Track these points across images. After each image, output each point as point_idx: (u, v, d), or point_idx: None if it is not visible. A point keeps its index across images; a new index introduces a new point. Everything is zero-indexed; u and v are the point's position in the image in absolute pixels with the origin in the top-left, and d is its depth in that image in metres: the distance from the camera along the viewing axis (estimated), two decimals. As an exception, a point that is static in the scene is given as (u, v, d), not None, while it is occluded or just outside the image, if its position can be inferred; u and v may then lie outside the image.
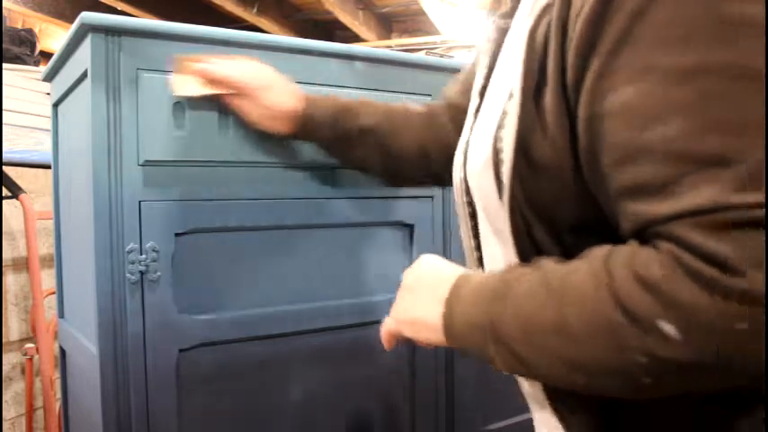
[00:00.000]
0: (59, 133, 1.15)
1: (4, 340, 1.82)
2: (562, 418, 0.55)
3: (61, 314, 1.18)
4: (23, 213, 1.73)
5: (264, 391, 0.96)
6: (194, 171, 0.89)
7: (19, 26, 4.26)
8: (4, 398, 1.83)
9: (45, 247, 1.89)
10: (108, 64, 0.83)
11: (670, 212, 0.42)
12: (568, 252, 0.51)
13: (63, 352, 1.18)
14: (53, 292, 1.26)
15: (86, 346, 0.94)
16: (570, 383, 0.49)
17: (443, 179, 0.92)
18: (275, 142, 0.94)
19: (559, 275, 0.48)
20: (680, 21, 0.42)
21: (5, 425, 1.83)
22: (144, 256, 0.85)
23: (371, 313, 1.03)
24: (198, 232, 0.90)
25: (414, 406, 1.10)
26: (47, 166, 1.79)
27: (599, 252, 0.47)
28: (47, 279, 1.78)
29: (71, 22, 1.07)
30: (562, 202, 0.52)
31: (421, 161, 0.90)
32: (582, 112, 0.48)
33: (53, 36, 5.31)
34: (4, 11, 3.48)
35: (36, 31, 3.63)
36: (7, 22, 3.50)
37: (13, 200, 1.75)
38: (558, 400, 0.55)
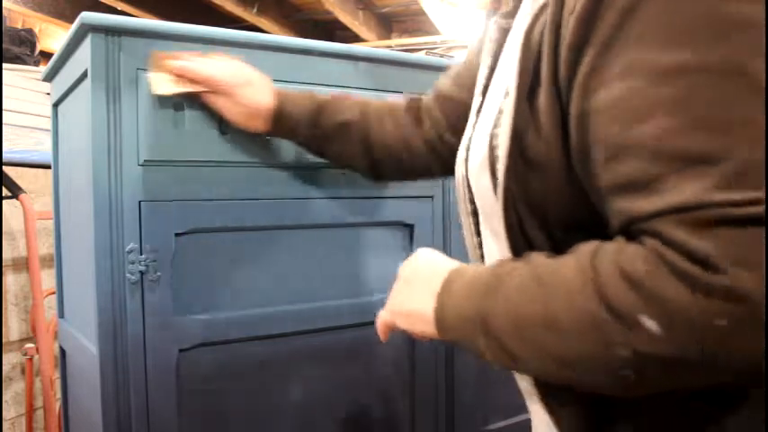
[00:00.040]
0: (59, 133, 1.15)
1: (4, 340, 1.82)
2: (552, 412, 0.56)
3: (61, 314, 1.18)
4: (23, 213, 1.73)
5: (264, 391, 0.96)
6: (194, 171, 0.89)
7: (19, 26, 4.26)
8: (4, 398, 1.83)
9: (45, 247, 1.89)
10: (108, 64, 0.83)
11: (654, 209, 0.42)
12: (560, 249, 0.51)
13: (63, 352, 1.18)
14: (53, 292, 1.26)
15: (86, 346, 0.94)
16: (558, 378, 0.50)
17: (430, 172, 0.92)
18: (275, 142, 0.94)
19: (549, 270, 0.48)
20: (668, 19, 0.43)
21: (5, 425, 1.83)
22: (144, 256, 0.85)
23: (371, 313, 1.03)
24: (198, 232, 0.90)
25: (414, 406, 1.10)
26: (47, 166, 1.79)
27: (587, 248, 0.47)
28: (47, 279, 1.78)
29: (71, 22, 1.07)
30: (555, 200, 0.52)
31: (405, 154, 0.90)
32: (573, 109, 0.48)
33: (53, 36, 5.30)
34: (4, 11, 3.48)
35: (36, 31, 3.63)
36: (7, 22, 3.50)
37: (13, 200, 1.75)
38: (549, 394, 0.56)
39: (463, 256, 0.68)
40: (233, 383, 0.93)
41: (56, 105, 1.14)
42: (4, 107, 1.94)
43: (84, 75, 0.86)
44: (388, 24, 6.21)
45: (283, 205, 0.96)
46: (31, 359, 1.83)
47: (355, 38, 5.75)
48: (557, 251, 0.51)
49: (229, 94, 0.86)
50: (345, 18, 5.27)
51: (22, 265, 1.86)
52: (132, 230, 0.85)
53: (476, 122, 0.64)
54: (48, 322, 1.74)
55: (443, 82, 0.89)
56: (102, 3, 4.49)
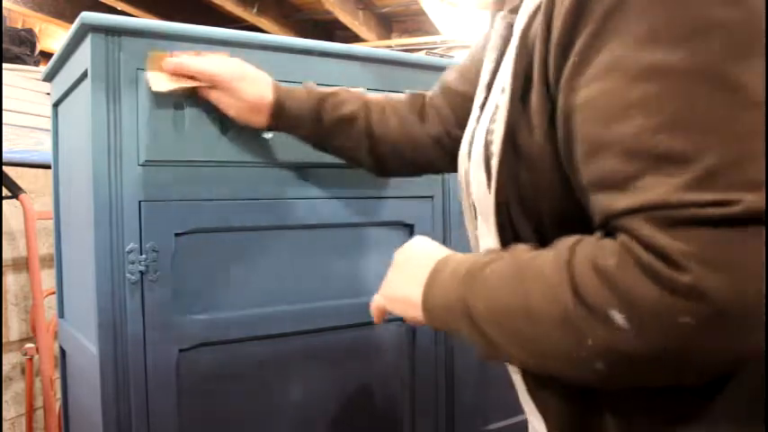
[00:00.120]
0: (59, 133, 1.15)
1: (4, 340, 1.82)
2: (539, 403, 0.56)
3: (61, 314, 1.18)
4: (23, 213, 1.73)
5: (264, 391, 0.96)
6: (194, 171, 0.89)
7: (19, 26, 4.26)
8: (4, 398, 1.83)
9: (45, 247, 1.89)
10: (108, 64, 0.83)
11: (626, 206, 0.43)
12: (548, 244, 0.52)
13: (63, 352, 1.18)
14: (53, 292, 1.26)
15: (86, 346, 0.94)
16: (536, 368, 0.52)
17: (434, 166, 0.92)
18: (275, 142, 0.94)
19: (527, 259, 0.50)
20: (648, 20, 0.43)
21: (5, 425, 1.83)
22: (144, 256, 0.85)
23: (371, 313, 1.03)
24: (198, 232, 0.89)
25: (414, 407, 1.10)
26: (47, 166, 1.79)
27: (567, 241, 0.48)
28: (47, 279, 1.78)
29: (71, 22, 1.07)
30: (546, 196, 0.53)
31: (407, 147, 0.90)
32: (559, 107, 0.49)
33: (53, 36, 5.31)
34: (4, 11, 3.48)
35: (36, 31, 3.63)
36: (7, 22, 3.50)
37: (13, 200, 1.75)
38: (536, 385, 0.57)
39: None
40: (233, 383, 0.93)
41: (56, 105, 1.14)
42: (4, 107, 1.94)
43: (84, 75, 0.86)
44: (388, 24, 6.21)
45: (283, 205, 0.96)
46: (31, 359, 1.83)
47: (355, 38, 5.75)
48: (545, 246, 0.52)
49: (228, 89, 0.86)
50: (345, 18, 5.27)
51: (22, 265, 1.86)
52: (132, 230, 0.85)
53: (479, 117, 0.65)
54: (48, 322, 1.74)
55: (450, 77, 0.89)
56: (102, 3, 4.49)
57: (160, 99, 0.86)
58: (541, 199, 0.54)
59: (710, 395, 0.48)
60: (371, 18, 5.80)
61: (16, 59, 2.98)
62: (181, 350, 0.89)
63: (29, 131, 2.05)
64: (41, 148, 1.98)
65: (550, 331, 0.46)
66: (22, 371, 1.88)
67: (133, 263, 0.84)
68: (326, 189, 0.99)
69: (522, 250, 0.52)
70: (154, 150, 0.86)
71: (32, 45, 3.18)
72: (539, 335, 0.47)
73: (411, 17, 6.04)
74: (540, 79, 0.51)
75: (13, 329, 1.87)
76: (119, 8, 4.57)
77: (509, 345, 0.50)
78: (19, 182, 1.77)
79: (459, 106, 0.85)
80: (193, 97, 0.88)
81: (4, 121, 1.92)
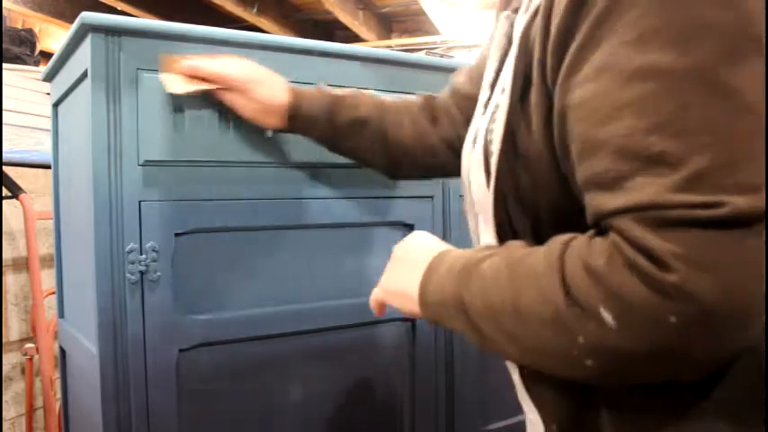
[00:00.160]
0: (59, 133, 1.15)
1: (4, 340, 1.82)
2: (535, 398, 0.57)
3: (61, 314, 1.18)
4: (23, 213, 1.73)
5: (264, 391, 0.96)
6: (194, 171, 0.89)
7: (19, 26, 4.26)
8: (4, 398, 1.83)
9: (45, 247, 1.89)
10: (108, 64, 0.83)
11: (617, 206, 0.44)
12: (545, 241, 0.53)
13: (63, 352, 1.18)
14: (53, 292, 1.26)
15: (86, 346, 0.94)
16: (527, 363, 0.53)
17: (446, 170, 0.93)
18: (275, 142, 0.94)
19: (521, 256, 0.50)
20: (641, 23, 0.44)
21: (5, 425, 1.83)
22: (144, 256, 0.85)
23: (371, 313, 1.03)
24: (198, 232, 0.89)
25: (414, 406, 1.10)
26: (47, 166, 1.79)
27: (561, 238, 0.49)
28: (47, 279, 1.78)
29: (71, 22, 1.07)
30: (543, 194, 0.54)
31: (420, 150, 0.90)
32: (555, 107, 0.50)
33: (53, 36, 5.31)
34: (4, 11, 3.48)
35: (36, 31, 3.63)
36: (7, 22, 3.50)
37: (13, 200, 1.75)
38: (533, 381, 0.57)
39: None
40: (233, 383, 0.93)
41: (56, 105, 1.14)
42: (4, 107, 1.94)
43: (84, 75, 0.86)
44: (388, 24, 6.21)
45: (283, 205, 0.96)
46: (31, 359, 1.83)
47: (355, 38, 5.75)
48: (541, 243, 0.53)
49: (243, 90, 0.87)
50: (345, 18, 5.28)
51: (22, 265, 1.86)
52: (132, 230, 0.85)
53: (483, 115, 0.65)
54: (48, 322, 1.74)
55: (459, 80, 0.90)
56: (102, 3, 4.50)
57: (160, 99, 0.86)
58: (539, 197, 0.54)
59: (705, 391, 0.49)
60: (371, 18, 5.81)
61: (16, 59, 2.98)
62: (181, 350, 0.89)
63: (29, 131, 2.05)
64: (41, 148, 1.98)
65: (542, 330, 0.47)
66: (22, 371, 1.88)
67: (133, 263, 0.84)
68: (326, 189, 0.99)
69: (516, 247, 0.53)
70: (154, 150, 0.86)
71: (32, 45, 3.18)
72: (531, 333, 0.48)
73: (411, 17, 6.04)
74: (539, 79, 0.51)
75: (13, 329, 1.87)
76: (119, 8, 4.58)
77: (503, 341, 0.51)
78: (19, 182, 1.77)
79: (469, 108, 0.85)
80: (193, 97, 0.88)
81: (4, 121, 1.92)
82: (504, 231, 0.57)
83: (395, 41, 6.00)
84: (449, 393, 1.13)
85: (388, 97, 0.93)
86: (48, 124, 1.48)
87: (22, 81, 2.30)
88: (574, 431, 0.54)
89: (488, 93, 0.66)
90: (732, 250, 0.40)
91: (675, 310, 0.41)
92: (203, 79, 0.86)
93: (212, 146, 0.90)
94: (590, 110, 0.46)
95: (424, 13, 5.36)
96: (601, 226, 0.47)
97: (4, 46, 2.95)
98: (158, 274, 0.86)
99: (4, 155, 1.77)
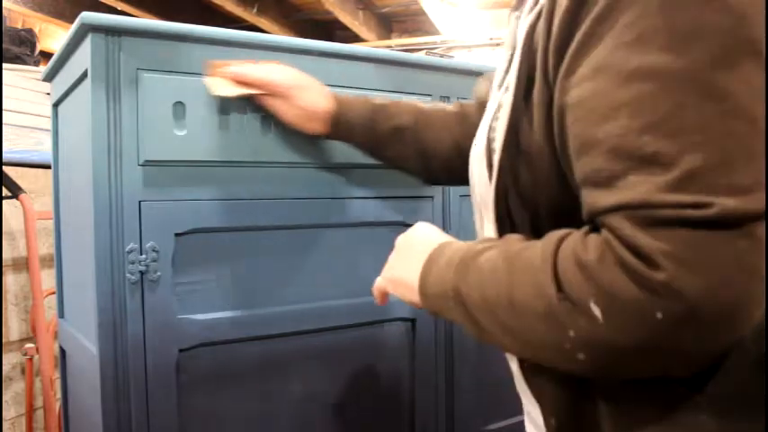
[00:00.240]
0: (59, 133, 1.15)
1: (4, 340, 1.82)
2: (535, 390, 0.58)
3: (61, 314, 1.18)
4: (23, 213, 1.73)
5: (264, 391, 0.96)
6: (194, 171, 0.89)
7: (19, 26, 4.27)
8: (4, 398, 1.83)
9: (45, 247, 1.89)
10: (108, 64, 0.83)
11: (609, 204, 0.45)
12: (543, 235, 0.53)
13: (63, 352, 1.18)
14: (53, 292, 1.26)
15: (86, 346, 0.94)
16: (523, 355, 0.55)
17: None
18: (274, 143, 0.94)
19: (518, 249, 0.52)
20: (637, 25, 0.45)
21: (5, 425, 1.83)
22: (144, 256, 0.85)
23: (371, 313, 1.03)
24: (198, 232, 0.89)
25: (414, 406, 1.10)
26: (47, 166, 1.79)
27: (557, 233, 0.50)
28: (47, 279, 1.78)
29: (71, 22, 1.07)
30: (543, 191, 0.55)
31: (457, 159, 0.91)
32: (555, 105, 0.51)
33: (53, 36, 5.31)
34: (4, 11, 3.48)
35: (36, 31, 3.63)
36: (7, 22, 3.50)
37: (13, 200, 1.75)
38: (532, 373, 0.58)
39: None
40: (233, 383, 0.93)
41: (56, 105, 1.14)
42: (4, 107, 1.94)
43: (84, 75, 0.86)
44: (388, 24, 6.21)
45: (283, 205, 0.96)
46: (31, 359, 1.83)
47: (355, 38, 5.75)
48: (540, 237, 0.54)
49: (286, 96, 0.89)
50: (345, 18, 5.28)
51: (22, 265, 1.86)
52: (132, 230, 0.85)
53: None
54: (48, 322, 1.74)
55: (480, 87, 0.91)
56: (102, 3, 4.50)
57: (160, 99, 0.86)
58: (539, 193, 0.55)
59: (698, 386, 0.50)
60: (371, 18, 5.81)
61: (16, 59, 2.98)
62: (181, 350, 0.89)
63: (29, 131, 2.05)
64: (41, 148, 1.98)
65: (536, 323, 0.48)
66: (22, 371, 1.88)
67: (133, 263, 0.85)
68: (326, 189, 0.99)
69: (514, 240, 0.54)
70: (154, 150, 0.86)
71: (32, 45, 3.18)
72: (526, 326, 0.49)
73: (411, 17, 6.05)
74: (541, 78, 0.52)
75: (13, 329, 1.87)
76: (119, 8, 4.58)
77: (500, 334, 0.52)
78: (19, 182, 1.77)
79: None
80: (193, 98, 0.88)
81: (4, 121, 1.92)
82: (504, 223, 0.58)
83: (395, 41, 6.00)
84: (449, 393, 1.13)
85: (426, 105, 0.95)
86: (48, 124, 1.48)
87: (22, 81, 2.30)
88: (572, 424, 0.55)
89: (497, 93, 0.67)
90: (720, 250, 0.41)
91: (662, 306, 0.42)
92: (248, 84, 0.88)
93: (212, 146, 0.90)
94: (588, 109, 0.47)
95: (424, 13, 5.36)
96: (595, 222, 0.47)
97: (4, 46, 2.96)
98: (158, 274, 0.86)
99: (4, 155, 1.77)
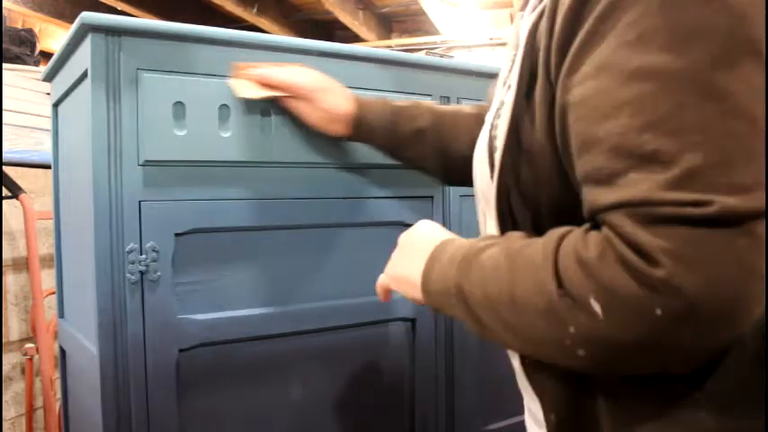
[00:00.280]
0: (59, 133, 1.15)
1: (4, 340, 1.82)
2: (536, 386, 0.58)
3: (61, 314, 1.18)
4: (23, 213, 1.73)
5: (264, 391, 0.96)
6: (194, 171, 0.89)
7: (19, 26, 4.27)
8: (4, 398, 1.83)
9: (45, 247, 1.89)
10: (108, 64, 0.83)
11: (610, 202, 0.45)
12: (545, 233, 0.54)
13: (63, 352, 1.18)
14: (53, 292, 1.26)
15: (86, 346, 0.94)
16: (525, 351, 0.55)
17: None
18: (274, 142, 0.94)
19: (519, 246, 0.52)
20: (639, 24, 0.45)
21: (5, 425, 1.83)
22: (144, 256, 0.85)
23: (371, 313, 1.03)
24: (198, 232, 0.89)
25: (414, 406, 1.10)
26: (47, 166, 1.79)
27: (559, 231, 0.50)
28: (47, 279, 1.78)
29: (71, 22, 1.07)
30: (545, 188, 0.55)
31: None
32: (557, 103, 0.51)
33: (53, 36, 5.31)
34: (4, 11, 3.48)
35: (36, 31, 3.64)
36: (7, 22, 3.50)
37: (13, 200, 1.75)
38: (534, 369, 0.58)
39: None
40: (233, 383, 0.93)
41: (56, 105, 1.14)
42: (4, 107, 1.94)
43: (84, 75, 0.86)
44: (388, 24, 6.21)
45: (283, 205, 0.96)
46: (31, 359, 1.83)
47: (355, 38, 5.75)
48: (541, 234, 0.54)
49: (310, 99, 0.90)
50: (345, 18, 5.28)
51: (22, 265, 1.86)
52: (132, 230, 0.85)
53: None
54: (48, 322, 1.74)
55: (494, 89, 0.91)
56: (102, 3, 4.50)
57: (160, 99, 0.86)
58: (540, 191, 0.56)
59: (698, 383, 0.50)
60: (371, 18, 5.81)
61: (16, 59, 2.98)
62: (181, 350, 0.89)
63: (29, 131, 2.05)
64: (41, 148, 1.98)
65: (537, 320, 0.48)
66: (22, 371, 1.88)
67: (133, 263, 0.85)
68: (326, 189, 0.99)
69: (515, 238, 0.54)
70: (154, 150, 0.86)
71: (32, 45, 3.18)
72: (527, 323, 0.49)
73: (411, 17, 6.05)
74: (544, 76, 0.53)
75: (13, 329, 1.87)
76: (119, 8, 4.58)
77: (501, 331, 0.52)
78: (19, 182, 1.77)
79: None
80: (193, 98, 0.88)
81: (4, 121, 1.92)
82: (506, 221, 0.58)
83: (395, 41, 6.00)
84: (449, 394, 1.13)
85: (444, 106, 0.96)
86: (48, 124, 1.48)
87: (22, 81, 2.30)
88: (572, 420, 0.55)
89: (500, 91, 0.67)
90: (720, 248, 0.42)
91: (662, 303, 0.42)
92: (272, 86, 0.89)
93: (212, 146, 0.90)
94: (590, 107, 0.47)
95: (424, 13, 5.36)
96: (596, 220, 0.48)
97: (4, 46, 2.96)
98: (158, 274, 0.86)
99: (4, 155, 1.77)
